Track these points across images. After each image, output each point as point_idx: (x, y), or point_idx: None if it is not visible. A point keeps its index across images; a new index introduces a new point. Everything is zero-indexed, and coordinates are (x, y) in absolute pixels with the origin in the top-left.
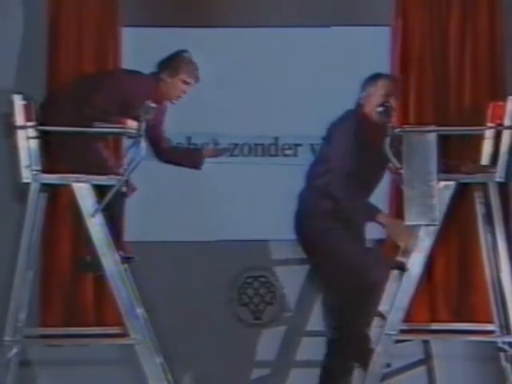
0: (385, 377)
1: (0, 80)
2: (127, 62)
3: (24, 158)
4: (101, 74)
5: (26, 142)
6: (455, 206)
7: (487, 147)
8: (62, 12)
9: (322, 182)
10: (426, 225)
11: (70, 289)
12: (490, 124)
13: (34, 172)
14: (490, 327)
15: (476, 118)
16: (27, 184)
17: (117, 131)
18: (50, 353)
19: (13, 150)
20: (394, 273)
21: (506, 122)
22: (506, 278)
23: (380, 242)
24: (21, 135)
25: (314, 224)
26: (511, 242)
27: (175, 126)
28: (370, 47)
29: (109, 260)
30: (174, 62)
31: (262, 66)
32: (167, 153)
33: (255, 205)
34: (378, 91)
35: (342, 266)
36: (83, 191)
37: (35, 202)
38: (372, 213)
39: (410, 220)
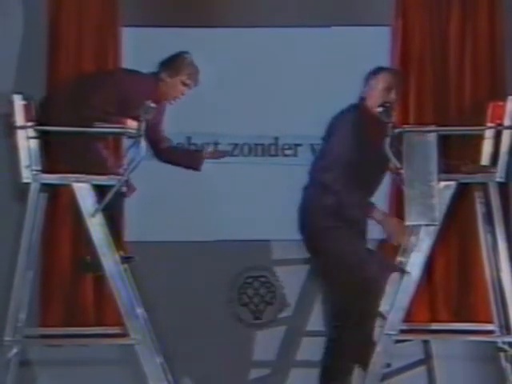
0: (385, 377)
1: (0, 80)
2: (127, 62)
3: (24, 158)
4: (100, 73)
5: (26, 142)
6: (455, 206)
7: (487, 147)
8: (62, 12)
9: (322, 176)
10: (426, 225)
11: (70, 289)
12: (490, 124)
13: (34, 172)
14: (489, 327)
15: (476, 118)
16: (27, 184)
17: (117, 131)
18: (50, 353)
19: (13, 150)
20: (395, 273)
21: (506, 122)
22: (506, 278)
23: (380, 242)
24: (21, 135)
25: (316, 221)
26: (511, 242)
27: (175, 126)
28: (370, 47)
29: (109, 260)
30: (174, 63)
31: (262, 66)
32: (167, 153)
33: (255, 205)
34: (379, 84)
35: (341, 264)
36: (83, 191)
37: (35, 201)
38: (367, 208)
39: (410, 220)
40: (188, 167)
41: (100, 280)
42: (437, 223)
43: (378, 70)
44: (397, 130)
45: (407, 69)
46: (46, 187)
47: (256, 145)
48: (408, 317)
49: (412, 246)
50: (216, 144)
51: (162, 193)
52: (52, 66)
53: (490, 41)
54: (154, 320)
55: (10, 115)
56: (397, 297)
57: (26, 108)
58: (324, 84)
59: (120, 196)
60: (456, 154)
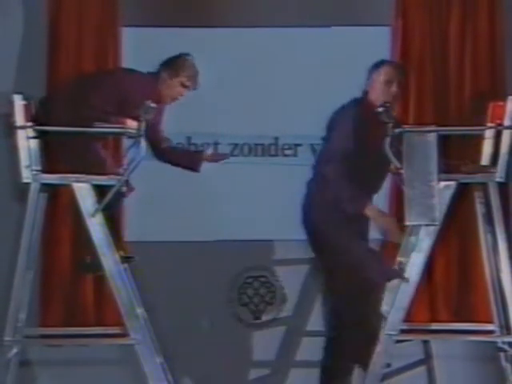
0: (385, 377)
1: (0, 80)
2: (127, 62)
3: (24, 158)
4: (100, 73)
5: (26, 142)
6: (455, 206)
7: (487, 147)
8: (62, 12)
9: (322, 170)
10: (427, 225)
11: (70, 289)
12: (490, 124)
13: (34, 172)
14: (490, 327)
15: (476, 118)
16: (27, 184)
17: (117, 131)
18: (50, 353)
19: (13, 150)
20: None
21: (506, 122)
22: (506, 278)
23: (382, 242)
24: (21, 135)
25: (317, 216)
26: (511, 242)
27: (175, 126)
28: (370, 47)
29: (109, 260)
30: (175, 64)
31: (262, 66)
32: (166, 153)
33: (255, 205)
34: (380, 77)
35: (341, 263)
36: (83, 191)
37: (35, 202)
38: (361, 204)
39: (410, 220)
40: (187, 168)
41: (100, 280)
42: (437, 223)
43: (380, 63)
44: (397, 130)
45: (407, 69)
46: (46, 187)
47: (256, 145)
48: (408, 317)
49: (412, 246)
50: (216, 144)
51: (162, 193)
52: (52, 65)
53: (489, 41)
54: (154, 320)
55: (9, 115)
56: (397, 297)
57: (26, 108)
58: (324, 84)
59: (120, 196)
60: (456, 153)
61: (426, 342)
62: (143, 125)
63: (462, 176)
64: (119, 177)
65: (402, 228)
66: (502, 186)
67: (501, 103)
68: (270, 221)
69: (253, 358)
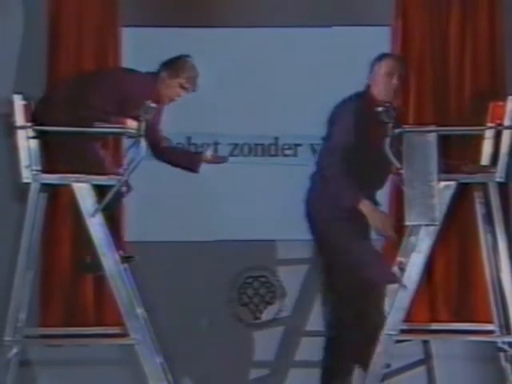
0: (385, 377)
1: (0, 80)
2: (127, 62)
3: (24, 158)
4: (99, 72)
5: (26, 142)
6: (455, 206)
7: (487, 147)
8: (62, 12)
9: (321, 164)
10: (426, 225)
11: (70, 289)
12: (490, 124)
13: (34, 172)
14: (490, 327)
15: (476, 118)
16: (27, 184)
17: (117, 131)
18: (50, 353)
19: (13, 150)
20: (395, 272)
21: (506, 122)
22: (506, 278)
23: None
24: (21, 135)
25: (317, 213)
26: (511, 242)
27: (175, 126)
28: (370, 47)
29: (109, 260)
30: (175, 65)
31: (262, 66)
32: (166, 153)
33: (255, 205)
34: (382, 70)
35: (340, 261)
36: (83, 191)
37: (35, 202)
38: (355, 199)
39: (410, 220)
40: (186, 169)
41: (100, 280)
42: (437, 223)
43: (381, 56)
44: (397, 130)
45: (407, 69)
46: (46, 187)
47: (256, 145)
48: (408, 317)
49: (412, 246)
50: (216, 144)
51: (162, 193)
52: (52, 65)
53: (489, 41)
54: (154, 320)
55: (9, 115)
56: (397, 297)
57: (26, 108)
58: (324, 84)
59: (119, 196)
60: (456, 153)
61: (425, 342)
62: (143, 125)
63: (462, 176)
64: (119, 177)
65: (397, 224)
66: (501, 186)
67: (501, 103)
68: (269, 221)
69: (253, 357)
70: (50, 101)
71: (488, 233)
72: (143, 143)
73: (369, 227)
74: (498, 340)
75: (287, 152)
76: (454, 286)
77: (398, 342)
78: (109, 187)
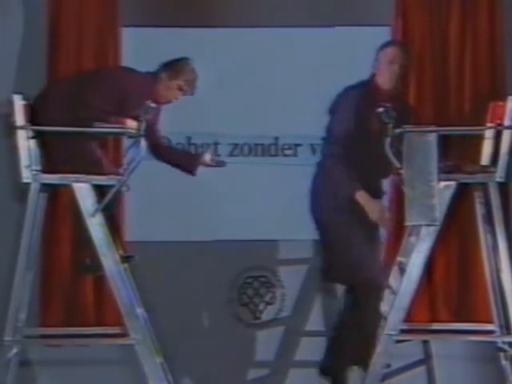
0: (385, 377)
1: (0, 80)
2: (127, 62)
3: (24, 158)
4: (98, 71)
5: (26, 142)
6: (455, 206)
7: (487, 147)
8: (62, 12)
9: (323, 153)
10: (427, 225)
11: (70, 289)
12: (489, 124)
13: (34, 172)
14: (490, 327)
15: (476, 118)
16: (27, 184)
17: (117, 131)
18: (50, 353)
19: (13, 150)
20: (395, 273)
21: (506, 122)
22: (506, 278)
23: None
24: (21, 135)
25: (319, 200)
26: (511, 242)
27: (175, 126)
28: (371, 47)
29: (109, 260)
30: (175, 66)
31: (262, 66)
32: (165, 152)
33: (255, 205)
34: (385, 57)
35: (341, 260)
36: (83, 191)
37: (35, 202)
38: (352, 189)
39: (410, 220)
40: (183, 170)
41: (100, 280)
42: (437, 223)
43: (385, 44)
44: (397, 130)
45: (407, 68)
46: (46, 187)
47: (256, 145)
48: (408, 317)
49: (412, 246)
50: (216, 144)
51: (162, 193)
52: (52, 65)
53: (490, 41)
54: (154, 320)
55: (9, 115)
56: (397, 297)
57: (26, 108)
58: (323, 84)
59: (119, 196)
60: (456, 153)
61: (425, 342)
62: (143, 125)
63: (462, 176)
64: (119, 177)
65: (387, 212)
66: (502, 186)
67: (501, 103)
68: (269, 221)
69: (253, 357)
70: (48, 100)
71: (488, 233)
72: (143, 143)
73: (372, 224)
74: (498, 340)
75: (287, 152)
76: (453, 286)
77: (398, 341)
78: (109, 187)
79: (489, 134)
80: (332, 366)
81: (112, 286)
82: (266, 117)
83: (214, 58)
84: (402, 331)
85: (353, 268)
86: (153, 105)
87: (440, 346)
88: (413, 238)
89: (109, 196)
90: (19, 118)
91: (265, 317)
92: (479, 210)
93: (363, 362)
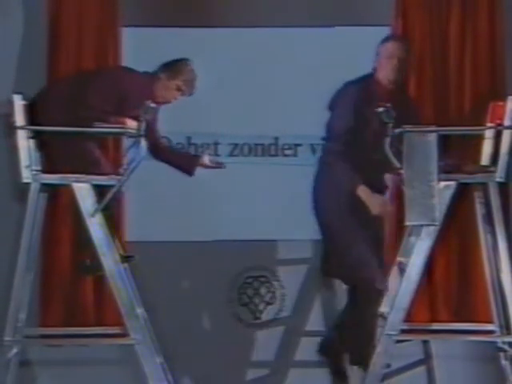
0: (385, 377)
1: (0, 80)
2: (127, 62)
3: (24, 158)
4: (98, 71)
5: (26, 142)
6: (455, 206)
7: (487, 147)
8: (62, 12)
9: (323, 150)
10: (427, 225)
11: (70, 289)
12: (489, 124)
13: (34, 172)
14: (490, 327)
15: (476, 118)
16: (27, 184)
17: (117, 131)
18: (50, 353)
19: (13, 150)
20: (395, 273)
21: (506, 122)
22: (506, 278)
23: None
24: (21, 135)
25: (321, 197)
26: (511, 242)
27: (175, 126)
28: (370, 47)
29: (109, 260)
30: (174, 66)
31: (262, 66)
32: (164, 152)
33: (255, 205)
34: (384, 52)
35: (340, 257)
36: (83, 191)
37: (35, 202)
38: (354, 184)
39: (410, 220)
40: (181, 170)
41: (100, 280)
42: (437, 223)
43: (385, 39)
44: (397, 130)
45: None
46: (46, 187)
47: (256, 145)
48: (408, 317)
49: (412, 246)
50: (216, 144)
51: (162, 193)
52: (52, 65)
53: (490, 41)
54: (154, 320)
55: (9, 115)
56: (397, 297)
57: (26, 108)
58: (323, 84)
59: (119, 196)
60: (456, 154)
61: (425, 342)
62: (143, 125)
63: (462, 176)
64: (119, 177)
65: (388, 205)
66: (502, 186)
67: (501, 103)
68: (269, 221)
69: (252, 357)
70: (48, 100)
71: (488, 233)
72: (143, 143)
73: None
74: (498, 340)
75: (287, 152)
76: (454, 286)
77: (398, 341)
78: (109, 187)
79: (489, 134)
80: (331, 347)
81: (112, 286)
82: (266, 117)
83: (213, 58)
84: (402, 331)
85: (353, 268)
86: (153, 105)
87: (440, 345)
88: (413, 238)
89: (109, 196)
90: (19, 118)
91: (265, 317)
92: (479, 210)
93: (363, 362)
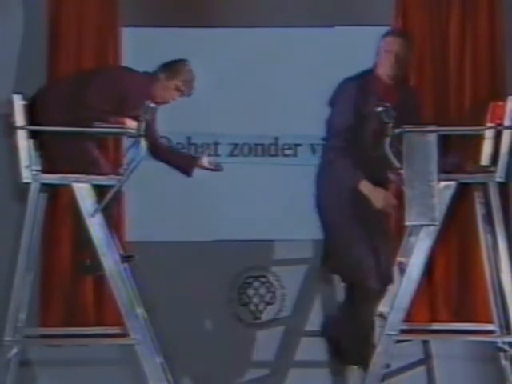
0: (385, 377)
1: (0, 80)
2: (127, 62)
3: (24, 158)
4: (97, 70)
5: (26, 142)
6: (455, 206)
7: (487, 147)
8: (62, 12)
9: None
10: (426, 225)
11: (70, 289)
12: (489, 124)
13: (34, 172)
14: (490, 327)
15: (476, 118)
16: (27, 184)
17: (117, 131)
18: (50, 353)
19: (13, 150)
20: (395, 273)
21: (506, 122)
22: (506, 278)
23: None
24: (21, 135)
25: (324, 198)
26: (511, 242)
27: (175, 126)
28: (370, 47)
29: (109, 260)
30: (173, 67)
31: (262, 66)
32: (163, 152)
33: (255, 205)
34: (383, 47)
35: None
36: (83, 191)
37: (35, 202)
38: (356, 179)
39: (410, 220)
40: (180, 171)
41: (100, 280)
42: (437, 223)
43: (385, 34)
44: (397, 130)
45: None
46: (46, 187)
47: (256, 145)
48: (408, 317)
49: (412, 246)
50: (216, 144)
51: (162, 193)
52: (52, 65)
53: (490, 41)
54: (154, 320)
55: (9, 115)
56: (397, 297)
57: (26, 108)
58: (324, 84)
59: (119, 196)
60: (456, 154)
61: (425, 342)
62: (143, 125)
63: (462, 176)
64: (119, 177)
65: (391, 198)
66: (502, 186)
67: (501, 103)
68: (269, 221)
69: (252, 357)
70: (48, 99)
71: (488, 233)
72: (143, 143)
73: (371, 211)
74: (498, 340)
75: (287, 152)
76: (454, 286)
77: (398, 341)
78: (109, 187)
79: (489, 134)
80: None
81: (112, 286)
82: (266, 117)
83: (213, 58)
84: (402, 331)
85: (352, 267)
86: (153, 105)
87: (440, 345)
88: (413, 238)
89: (109, 196)
90: (19, 118)
91: (265, 317)
92: (479, 210)
93: (362, 362)
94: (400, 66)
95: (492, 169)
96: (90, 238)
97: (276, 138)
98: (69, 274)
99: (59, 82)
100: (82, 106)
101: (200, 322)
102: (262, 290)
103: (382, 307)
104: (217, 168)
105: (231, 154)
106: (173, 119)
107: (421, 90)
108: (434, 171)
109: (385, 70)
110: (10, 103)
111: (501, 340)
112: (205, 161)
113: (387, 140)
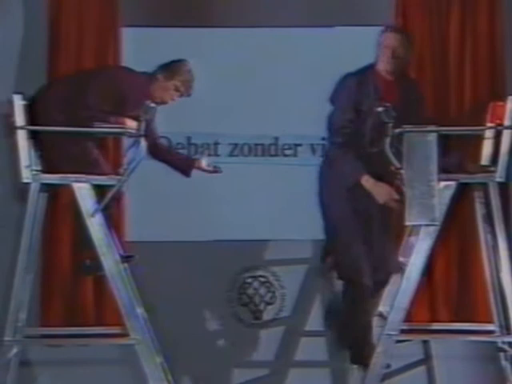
0: (385, 377)
1: (0, 80)
2: (127, 62)
3: (24, 158)
4: (96, 70)
5: (26, 142)
6: (455, 206)
7: (487, 147)
8: (62, 12)
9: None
10: (426, 225)
11: (70, 289)
12: (489, 124)
13: (34, 172)
14: (490, 327)
15: (476, 118)
16: (27, 184)
17: (117, 131)
18: (49, 353)
19: (13, 150)
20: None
21: (506, 122)
22: (506, 278)
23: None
24: (21, 135)
25: (325, 192)
26: (511, 242)
27: (175, 126)
28: (371, 47)
29: (109, 260)
30: (172, 67)
31: (262, 66)
32: (162, 152)
33: (255, 205)
34: (382, 43)
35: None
36: (83, 191)
37: (35, 201)
38: (357, 175)
39: (410, 220)
40: (179, 171)
41: (100, 280)
42: (437, 223)
43: (384, 29)
44: (397, 130)
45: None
46: (46, 187)
47: (256, 145)
48: (408, 317)
49: (412, 246)
50: (216, 144)
51: (162, 193)
52: (52, 66)
53: (490, 41)
54: (154, 320)
55: (10, 115)
56: (397, 297)
57: (26, 108)
58: (324, 84)
59: (119, 196)
60: (456, 154)
61: (425, 342)
62: (143, 125)
63: (462, 176)
64: (119, 177)
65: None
66: (502, 186)
67: (501, 103)
68: (269, 221)
69: (252, 357)
70: (47, 99)
71: (488, 233)
72: (143, 143)
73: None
74: (498, 340)
75: (287, 152)
76: (453, 286)
77: (398, 341)
78: (109, 187)
79: (489, 134)
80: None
81: (112, 285)
82: (266, 117)
83: (213, 58)
84: (402, 331)
85: (350, 266)
86: (153, 105)
87: (440, 346)
88: (413, 238)
89: (109, 196)
90: (19, 118)
91: (265, 317)
92: (479, 210)
93: (362, 361)
94: (398, 62)
95: (492, 169)
96: (90, 238)
97: (276, 138)
98: (69, 274)
99: (59, 82)
100: (82, 106)
101: (200, 322)
102: (262, 290)
103: (382, 307)
104: (215, 170)
105: (231, 154)
106: (173, 119)
107: (421, 89)
108: (433, 171)
109: (383, 66)
110: (10, 103)
111: (501, 340)
112: (203, 163)
113: (387, 140)
